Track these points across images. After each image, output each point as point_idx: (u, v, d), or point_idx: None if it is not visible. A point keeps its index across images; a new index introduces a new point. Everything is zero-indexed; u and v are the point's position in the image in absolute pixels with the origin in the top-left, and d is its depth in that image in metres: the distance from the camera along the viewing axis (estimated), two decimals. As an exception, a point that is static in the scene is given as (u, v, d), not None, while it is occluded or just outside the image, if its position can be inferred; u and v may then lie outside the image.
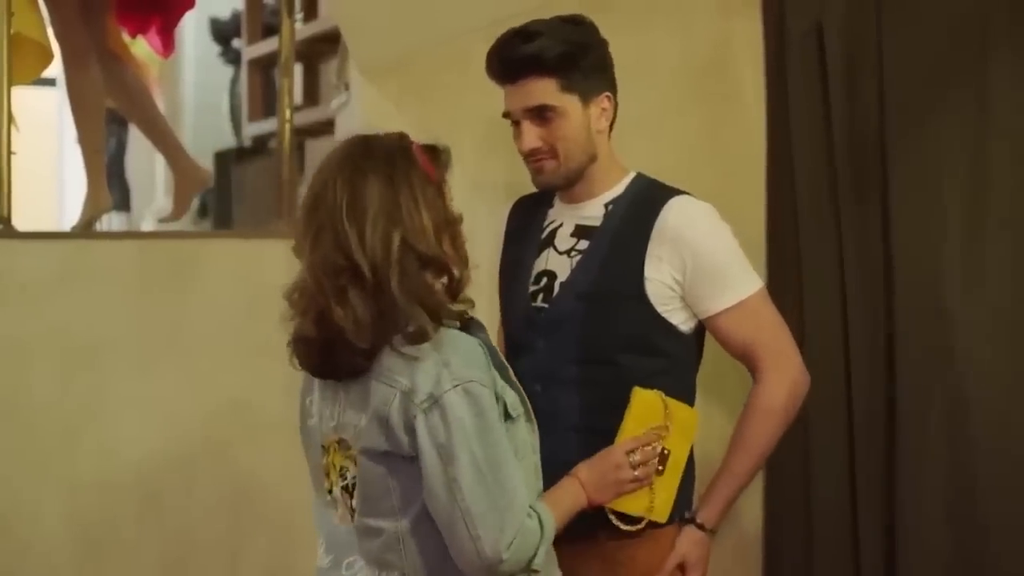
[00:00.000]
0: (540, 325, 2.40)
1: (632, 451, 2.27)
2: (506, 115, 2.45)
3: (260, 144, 5.98)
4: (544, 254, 2.48)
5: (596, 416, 2.36)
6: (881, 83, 2.91)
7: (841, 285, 3.00)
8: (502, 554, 2.00)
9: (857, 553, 3.01)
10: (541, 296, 2.45)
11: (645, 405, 2.32)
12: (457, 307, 2.08)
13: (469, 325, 2.13)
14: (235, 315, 3.35)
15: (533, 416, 2.17)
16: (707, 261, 2.38)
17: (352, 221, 2.01)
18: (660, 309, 2.38)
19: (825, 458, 3.06)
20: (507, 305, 2.57)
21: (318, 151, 5.45)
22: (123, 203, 6.27)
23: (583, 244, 2.44)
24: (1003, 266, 2.79)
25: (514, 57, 2.39)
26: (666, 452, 2.31)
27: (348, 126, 4.04)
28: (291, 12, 3.97)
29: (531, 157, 2.43)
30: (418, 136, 2.11)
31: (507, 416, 2.10)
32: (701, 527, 2.41)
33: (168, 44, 4.30)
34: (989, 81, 2.78)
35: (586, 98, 2.41)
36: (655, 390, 2.33)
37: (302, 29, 5.22)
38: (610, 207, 2.46)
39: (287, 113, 3.76)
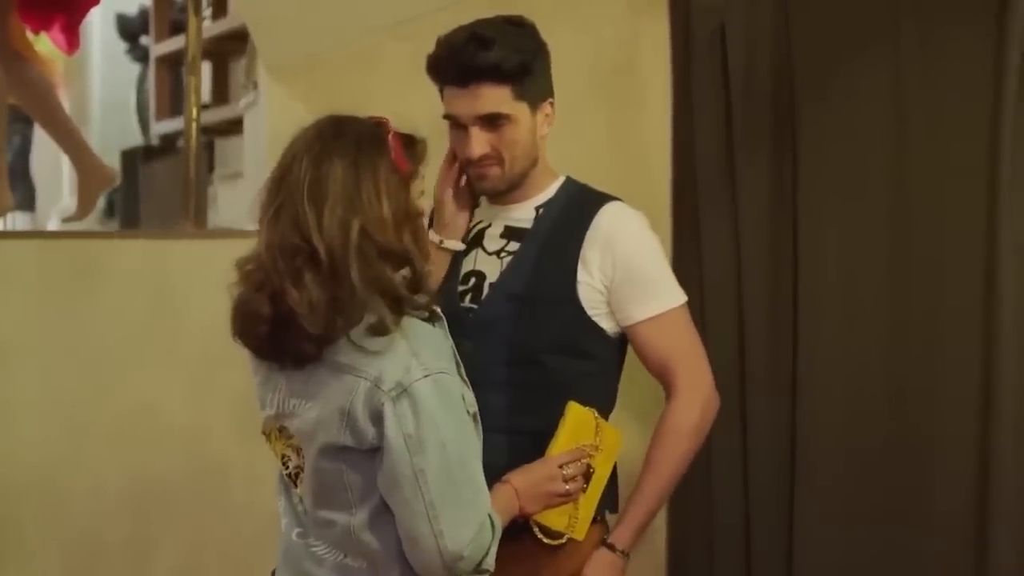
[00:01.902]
0: (469, 326, 2.37)
1: (564, 465, 2.26)
2: (449, 118, 2.39)
3: (168, 143, 5.93)
4: (472, 254, 2.46)
5: (525, 417, 2.35)
6: (792, 83, 2.94)
7: (739, 290, 3.03)
8: (463, 551, 1.95)
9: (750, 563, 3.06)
10: (470, 296, 2.43)
11: (579, 421, 2.31)
12: (421, 299, 2.03)
13: (432, 318, 2.09)
14: (141, 316, 3.31)
15: (480, 418, 2.13)
16: (635, 268, 2.39)
17: (312, 202, 1.95)
18: (591, 313, 2.38)
19: (725, 467, 3.08)
20: None
21: (228, 149, 5.42)
22: (27, 202, 6.18)
23: (513, 245, 2.43)
24: (916, 269, 2.81)
25: (472, 64, 2.32)
26: (591, 470, 2.30)
27: (256, 125, 4.03)
28: (198, 10, 3.94)
29: (476, 163, 2.39)
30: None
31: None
32: (612, 548, 2.39)
33: (72, 41, 4.24)
34: (898, 78, 2.81)
35: (534, 105, 2.38)
36: (590, 408, 2.32)
37: (211, 27, 5.18)
38: (541, 210, 2.45)
39: (194, 112, 3.73)
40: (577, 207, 2.44)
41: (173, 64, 5.86)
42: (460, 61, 2.33)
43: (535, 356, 2.38)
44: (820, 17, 2.91)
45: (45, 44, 4.49)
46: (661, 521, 3.19)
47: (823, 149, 2.90)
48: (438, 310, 2.10)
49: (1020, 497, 2.61)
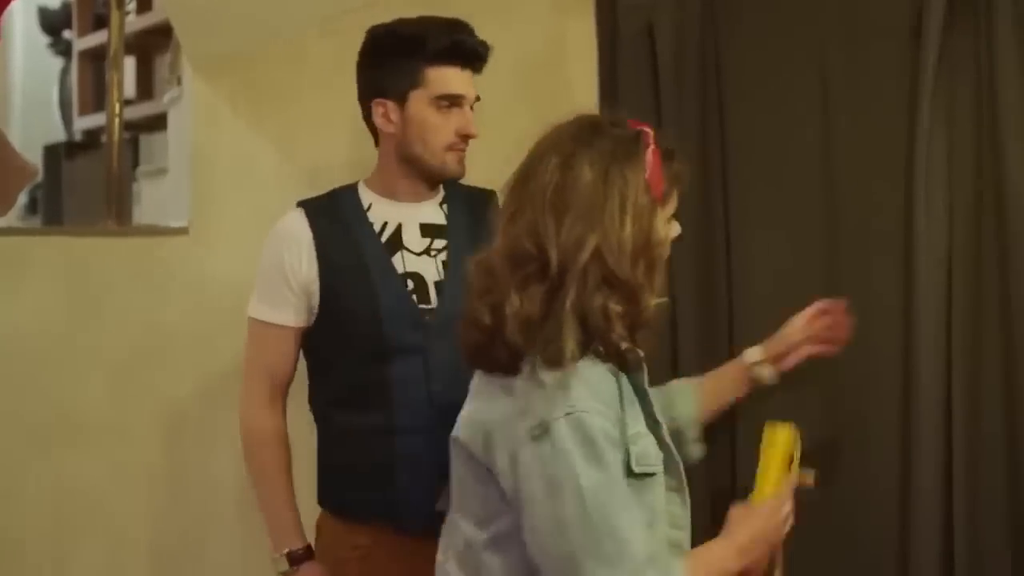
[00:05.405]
0: (433, 326, 2.40)
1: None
2: (448, 97, 2.49)
3: (92, 138, 5.84)
4: (397, 256, 2.48)
5: None
6: (720, 81, 2.96)
7: (671, 288, 3.03)
8: None
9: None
10: (415, 298, 2.46)
11: (785, 445, 2.09)
12: (622, 342, 1.85)
13: (624, 365, 1.91)
14: (63, 315, 3.26)
15: (686, 485, 1.98)
16: None
17: (552, 210, 1.81)
18: None
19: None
20: (374, 308, 2.47)
21: (153, 145, 5.35)
22: (-53, 198, 6.07)
23: (439, 243, 2.47)
24: (845, 262, 2.83)
25: (476, 49, 2.50)
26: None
27: (180, 121, 3.98)
28: (121, 4, 3.88)
29: (462, 146, 2.50)
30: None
31: (631, 472, 1.86)
32: None
33: (-8, 35, 4.17)
34: (824, 75, 2.83)
35: None
36: (788, 424, 2.14)
37: (136, 20, 5.12)
38: (444, 206, 2.49)
39: (116, 107, 3.68)
40: (475, 200, 2.55)
41: (96, 58, 5.77)
42: (471, 44, 2.49)
43: None
44: (747, 15, 2.93)
45: (-36, 37, 4.42)
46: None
47: (752, 146, 2.93)
48: (640, 355, 1.93)
49: (939, 474, 2.66)
